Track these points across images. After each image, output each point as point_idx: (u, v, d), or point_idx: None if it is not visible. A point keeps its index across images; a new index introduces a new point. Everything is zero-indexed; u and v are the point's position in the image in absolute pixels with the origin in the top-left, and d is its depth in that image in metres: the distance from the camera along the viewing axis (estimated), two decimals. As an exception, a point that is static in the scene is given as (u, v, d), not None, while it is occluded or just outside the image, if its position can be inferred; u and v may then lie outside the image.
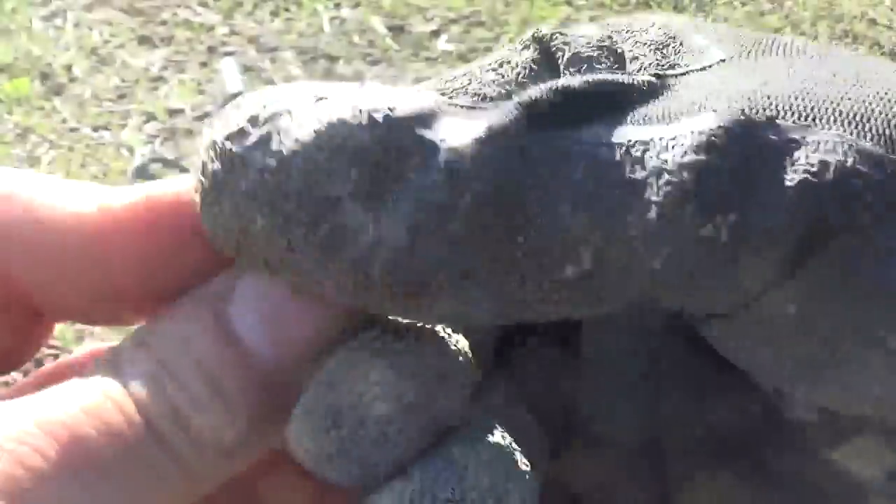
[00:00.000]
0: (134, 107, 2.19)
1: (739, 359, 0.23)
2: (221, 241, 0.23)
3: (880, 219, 0.21)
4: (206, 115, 2.17)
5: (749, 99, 0.22)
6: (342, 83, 0.22)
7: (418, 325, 0.24)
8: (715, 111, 0.22)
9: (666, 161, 0.21)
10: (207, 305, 0.25)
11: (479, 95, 0.25)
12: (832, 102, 0.22)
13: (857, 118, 0.22)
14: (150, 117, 2.17)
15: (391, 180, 0.21)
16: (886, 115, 0.22)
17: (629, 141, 0.21)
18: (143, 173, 1.62)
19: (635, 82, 0.23)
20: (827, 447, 0.22)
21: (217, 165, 0.22)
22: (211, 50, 2.37)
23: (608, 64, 0.25)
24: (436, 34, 2.53)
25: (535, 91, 0.23)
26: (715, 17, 2.67)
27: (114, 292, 0.26)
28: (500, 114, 0.22)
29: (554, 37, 0.26)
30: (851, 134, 0.22)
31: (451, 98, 0.25)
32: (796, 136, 0.22)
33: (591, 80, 0.23)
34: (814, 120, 0.22)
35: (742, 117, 0.22)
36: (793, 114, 0.22)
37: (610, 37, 0.26)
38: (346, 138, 0.21)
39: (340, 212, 0.21)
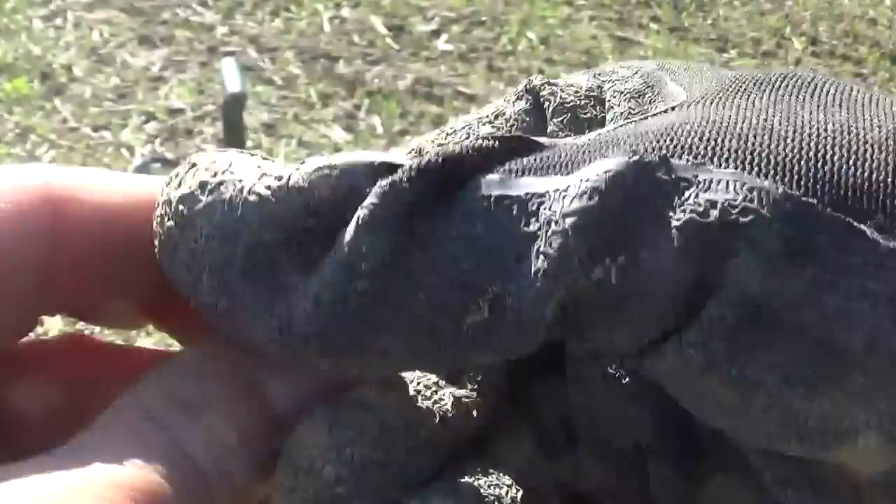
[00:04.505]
0: (134, 107, 2.19)
1: (678, 398, 0.22)
2: (177, 286, 0.24)
3: (772, 259, 0.20)
4: (207, 115, 2.17)
5: (651, 140, 0.22)
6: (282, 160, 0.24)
7: (390, 381, 0.25)
8: (606, 157, 0.21)
9: (555, 212, 0.21)
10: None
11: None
12: (745, 142, 0.22)
13: (772, 158, 0.21)
14: (150, 117, 2.17)
15: (320, 249, 0.22)
16: (824, 156, 0.21)
17: (526, 194, 0.21)
18: (143, 173, 1.63)
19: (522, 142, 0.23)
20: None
21: (171, 223, 0.24)
22: (211, 50, 2.37)
23: (593, 113, 0.27)
24: (436, 34, 2.53)
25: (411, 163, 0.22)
26: (715, 17, 2.67)
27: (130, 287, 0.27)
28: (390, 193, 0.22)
29: (543, 87, 0.28)
30: (752, 172, 0.21)
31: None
32: (687, 175, 0.21)
33: (473, 145, 0.23)
34: (711, 159, 0.21)
35: (631, 159, 0.21)
36: (691, 152, 0.21)
37: (600, 86, 0.28)
38: (284, 210, 0.23)
39: (275, 277, 0.23)
